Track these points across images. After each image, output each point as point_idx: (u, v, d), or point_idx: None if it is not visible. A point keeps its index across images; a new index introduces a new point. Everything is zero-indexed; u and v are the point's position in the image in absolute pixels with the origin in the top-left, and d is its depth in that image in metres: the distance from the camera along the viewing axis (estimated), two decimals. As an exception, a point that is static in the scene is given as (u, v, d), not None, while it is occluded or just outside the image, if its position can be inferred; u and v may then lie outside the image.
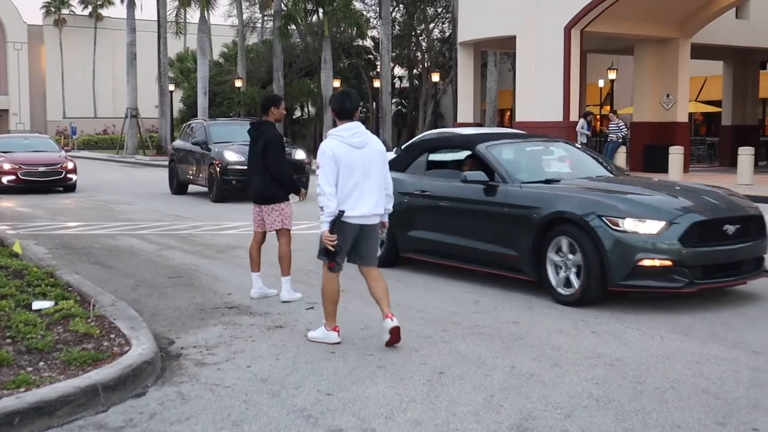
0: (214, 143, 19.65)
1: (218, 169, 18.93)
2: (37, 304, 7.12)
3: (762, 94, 36.39)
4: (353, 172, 6.29)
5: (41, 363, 5.54)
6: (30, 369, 5.39)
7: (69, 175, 22.80)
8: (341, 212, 6.22)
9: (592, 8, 24.64)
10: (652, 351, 6.28)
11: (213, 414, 4.98)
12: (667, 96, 28.05)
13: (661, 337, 6.66)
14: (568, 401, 5.15)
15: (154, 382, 5.57)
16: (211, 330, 7.01)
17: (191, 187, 21.92)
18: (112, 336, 6.24)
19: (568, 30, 25.22)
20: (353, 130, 6.39)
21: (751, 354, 6.21)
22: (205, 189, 20.19)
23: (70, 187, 22.99)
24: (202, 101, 43.57)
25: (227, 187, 19.01)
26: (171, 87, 51.39)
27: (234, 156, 18.67)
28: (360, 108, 6.66)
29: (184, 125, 23.02)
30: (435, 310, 7.70)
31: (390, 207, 6.64)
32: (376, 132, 45.01)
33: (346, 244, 6.39)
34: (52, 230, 14.11)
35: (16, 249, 9.87)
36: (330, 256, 6.35)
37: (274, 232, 8.30)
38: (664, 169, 24.61)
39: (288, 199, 8.30)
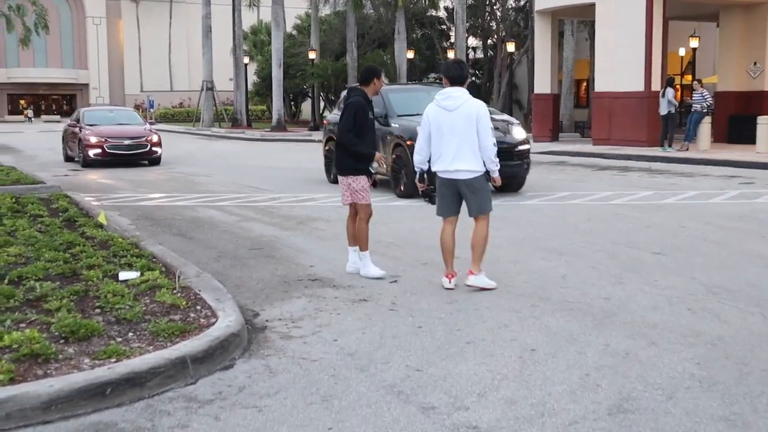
0: (398, 116, 15.05)
1: (409, 150, 13.59)
2: (123, 275, 7.16)
3: None
4: (441, 131, 7.16)
5: (130, 333, 5.54)
6: (120, 339, 5.39)
7: (154, 149, 22.66)
8: (426, 166, 7.36)
9: (676, -27, 23.81)
10: (754, 330, 5.98)
11: (302, 388, 4.90)
12: (755, 64, 27.03)
13: (764, 315, 6.34)
14: (668, 382, 4.92)
15: (241, 355, 5.52)
16: (295, 302, 6.95)
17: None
18: (198, 307, 6.22)
19: (650, -4, 24.42)
20: (446, 94, 7.15)
21: None
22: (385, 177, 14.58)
23: (155, 161, 22.88)
24: (277, 73, 43.77)
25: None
26: (245, 59, 51.76)
27: None
28: (468, 77, 7.33)
29: (345, 93, 19.62)
30: (522, 284, 7.50)
31: (492, 167, 7.18)
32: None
33: (444, 194, 7.32)
34: (134, 201, 14.30)
35: (101, 220, 9.99)
36: (424, 196, 7.68)
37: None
38: (750, 140, 23.76)
39: (360, 173, 7.83)
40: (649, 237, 9.95)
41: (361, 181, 7.81)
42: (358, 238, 7.92)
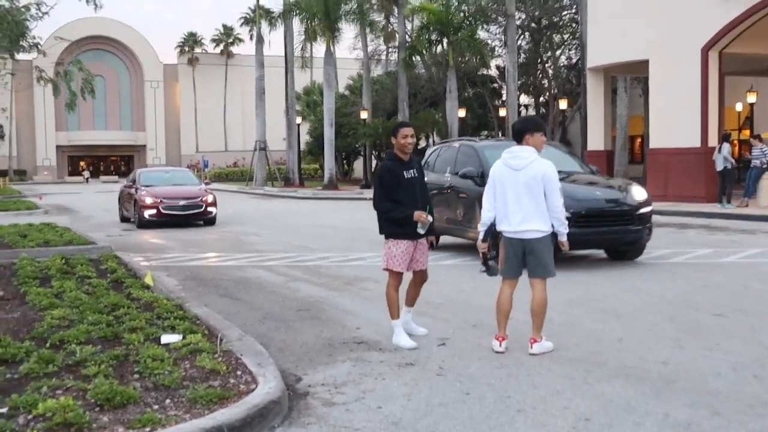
0: None
1: None
2: (165, 338, 7.04)
3: None
4: (505, 190, 7.09)
5: (167, 400, 5.38)
6: (156, 407, 5.24)
7: (209, 209, 22.54)
8: (491, 225, 7.20)
9: (732, 28, 23.50)
10: (827, 399, 5.60)
11: (342, 460, 4.68)
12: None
13: (836, 384, 5.96)
14: (735, 456, 4.59)
15: (281, 423, 5.32)
16: (339, 366, 6.75)
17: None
18: (239, 372, 6.06)
19: (705, 52, 24.13)
20: (513, 153, 7.10)
21: None
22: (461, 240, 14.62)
23: (210, 221, 22.69)
24: (329, 133, 44.18)
25: None
26: (298, 120, 52.44)
27: None
28: (542, 131, 7.19)
29: (430, 150, 16.42)
30: (575, 348, 7.20)
31: (561, 229, 7.07)
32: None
33: (508, 255, 7.17)
34: (183, 261, 14.30)
35: (148, 281, 9.95)
36: (484, 263, 7.34)
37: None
38: (813, 195, 23.10)
39: (403, 237, 7.45)
40: (709, 298, 9.56)
41: (400, 246, 7.45)
42: (388, 304, 7.60)
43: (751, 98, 33.26)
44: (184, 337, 7.03)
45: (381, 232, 7.60)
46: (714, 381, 6.11)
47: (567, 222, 7.13)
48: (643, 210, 12.69)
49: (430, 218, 7.33)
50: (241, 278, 12.08)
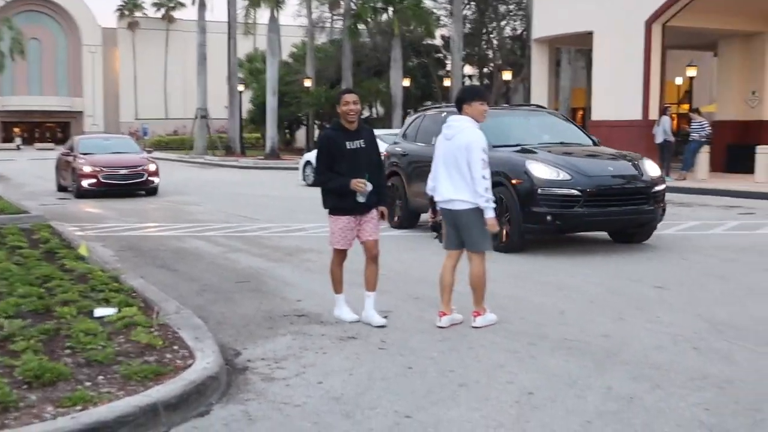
0: (494, 147, 10.20)
1: (517, 193, 10.87)
2: (99, 311, 6.83)
3: None
4: (438, 160, 7.04)
5: (100, 377, 5.20)
6: (88, 384, 5.05)
7: (151, 178, 21.77)
8: (431, 197, 7.19)
9: (675, 1, 23.69)
10: (766, 372, 5.66)
11: (281, 438, 4.57)
12: (753, 93, 26.89)
13: (774, 356, 6.03)
14: (676, 431, 4.59)
15: (219, 399, 5.18)
16: (279, 340, 6.62)
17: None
18: (176, 347, 5.89)
19: (649, 24, 24.34)
20: (449, 122, 7.02)
21: None
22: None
23: (152, 191, 21.94)
24: (272, 101, 43.68)
25: (540, 227, 10.93)
26: (240, 87, 51.69)
27: (548, 171, 10.86)
28: (480, 100, 6.97)
29: (412, 118, 15.09)
30: (519, 322, 7.18)
31: (482, 203, 6.74)
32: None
33: (447, 226, 7.09)
34: (120, 232, 13.98)
35: (83, 251, 9.67)
36: (437, 233, 7.48)
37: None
38: (748, 169, 23.54)
39: (342, 212, 7.06)
40: (650, 270, 9.64)
41: (338, 222, 7.06)
42: (331, 279, 7.35)
43: (691, 72, 33.70)
44: (119, 311, 6.81)
45: (324, 206, 7.22)
46: (655, 354, 6.13)
47: (491, 198, 6.76)
48: (658, 187, 11.45)
49: (369, 186, 6.85)
50: (180, 249, 11.84)
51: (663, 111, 23.91)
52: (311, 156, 28.07)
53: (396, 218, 13.69)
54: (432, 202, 7.18)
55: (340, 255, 7.23)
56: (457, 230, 7.01)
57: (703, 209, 16.87)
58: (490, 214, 6.77)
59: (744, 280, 8.99)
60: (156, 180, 22.03)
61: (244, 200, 20.29)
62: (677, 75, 37.49)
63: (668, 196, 19.72)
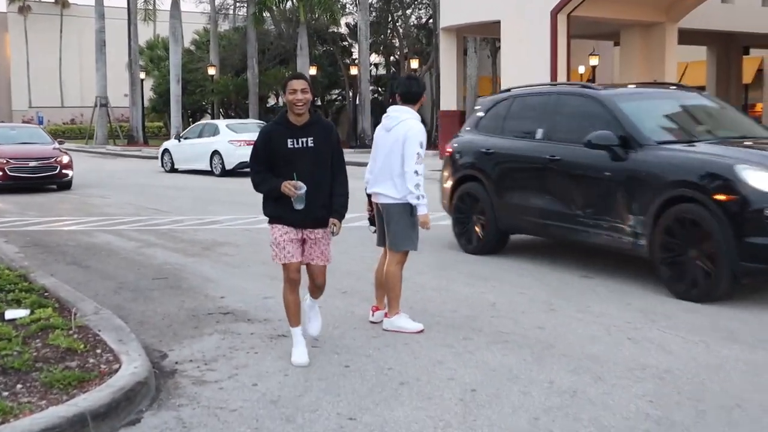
0: (657, 144, 8.15)
1: (726, 214, 7.22)
2: (10, 313, 6.43)
3: (745, 80, 36.13)
4: (376, 151, 6.67)
5: (19, 386, 4.85)
6: (6, 394, 4.71)
7: (65, 171, 20.09)
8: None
9: (580, -9, 24.08)
10: (701, 361, 5.70)
11: (221, 446, 4.33)
12: (654, 82, 27.59)
13: (707, 344, 6.08)
14: (624, 424, 4.56)
15: (150, 406, 4.90)
16: (207, 340, 6.34)
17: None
18: (98, 351, 5.57)
19: (554, 14, 24.62)
20: (389, 112, 6.64)
21: (810, 362, 5.65)
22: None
23: (65, 185, 20.32)
24: (175, 89, 42.68)
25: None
26: (141, 75, 50.38)
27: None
28: (418, 94, 6.70)
29: (489, 101, 10.88)
30: (451, 315, 7.08)
31: (412, 200, 6.43)
32: (354, 120, 44.41)
33: (379, 221, 6.78)
34: (22, 226, 13.32)
35: (-15, 249, 9.12)
36: (371, 224, 7.03)
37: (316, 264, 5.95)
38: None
39: (270, 220, 5.80)
40: (573, 258, 9.69)
41: (275, 232, 5.74)
42: (289, 316, 5.91)
43: (594, 61, 34.46)
44: (32, 312, 6.43)
45: (263, 212, 5.89)
46: (591, 345, 6.12)
47: (423, 194, 6.40)
48: None
49: (302, 188, 5.49)
50: (90, 244, 11.34)
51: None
52: (170, 144, 28.60)
53: (476, 241, 10.07)
54: (369, 195, 6.86)
55: (289, 274, 5.72)
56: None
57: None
58: (423, 211, 6.46)
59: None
60: (70, 173, 20.39)
61: (152, 192, 19.67)
62: (580, 64, 38.26)
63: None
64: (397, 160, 6.46)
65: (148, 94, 56.60)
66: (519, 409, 4.81)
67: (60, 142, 22.53)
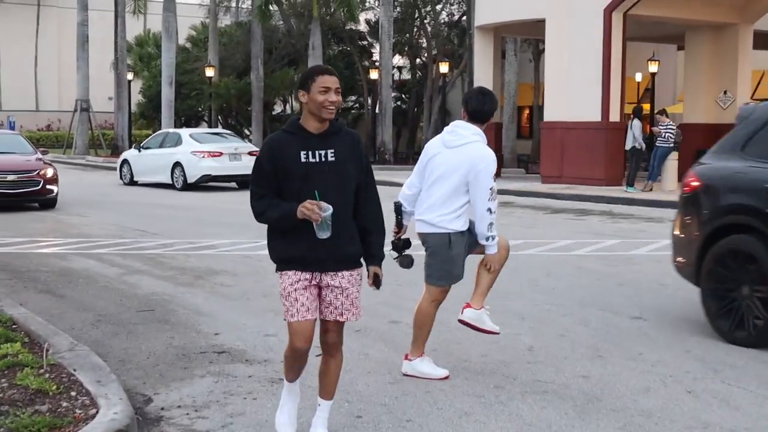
0: None
1: None
2: (-26, 348, 6.51)
3: (831, 91, 36.07)
4: (430, 169, 6.59)
5: (-19, 432, 4.93)
6: (-33, 441, 4.78)
7: (48, 186, 19.57)
8: (400, 204, 6.71)
9: (638, -14, 24.22)
10: (773, 419, 5.70)
11: (212, 506, 4.38)
12: (725, 93, 27.63)
13: (780, 400, 6.08)
14: (681, 491, 4.56)
15: (131, 458, 4.96)
16: (198, 383, 6.41)
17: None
18: (73, 393, 5.65)
19: (608, 13, 24.76)
20: (453, 127, 6.61)
21: None
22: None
23: (49, 203, 19.94)
24: (167, 93, 43.02)
25: None
26: (129, 76, 50.84)
27: None
28: (490, 113, 6.67)
29: (754, 109, 8.68)
30: (480, 359, 7.12)
31: (483, 242, 6.52)
32: (373, 131, 44.66)
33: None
34: (-12, 248, 13.50)
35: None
36: (394, 248, 6.52)
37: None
38: (721, 179, 24.10)
39: (281, 266, 5.02)
40: (624, 297, 9.71)
41: (285, 280, 4.95)
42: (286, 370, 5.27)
43: (653, 67, 34.48)
44: (-2, 347, 6.52)
45: (270, 256, 5.13)
46: (644, 398, 6.13)
47: (493, 234, 6.46)
48: None
49: (327, 210, 4.72)
50: (65, 269, 11.48)
51: (635, 113, 24.28)
52: (129, 154, 29.70)
53: (751, 326, 7.57)
54: (398, 213, 6.68)
55: (296, 340, 4.99)
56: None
57: (674, 225, 17.13)
58: (492, 251, 6.56)
59: (732, 310, 9.10)
60: (55, 189, 19.91)
61: (138, 211, 19.87)
62: (637, 71, 38.32)
63: (635, 210, 20.18)
64: (452, 186, 6.47)
65: (136, 97, 57.10)
66: (558, 471, 4.83)
67: (43, 152, 22.10)
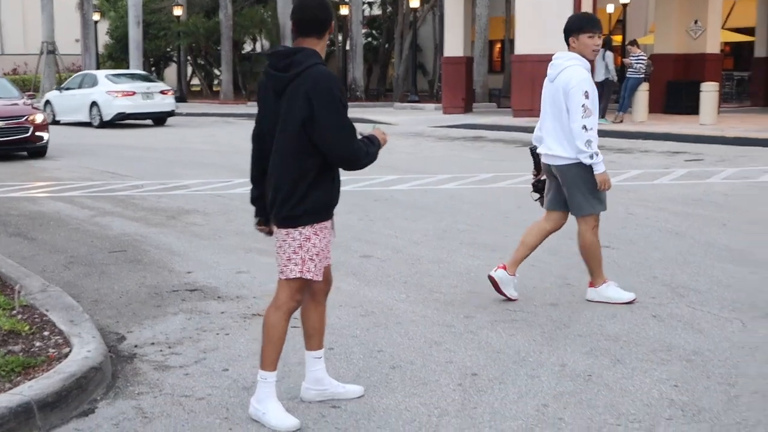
0: None
1: None
2: (-55, 292, 6.54)
3: (802, 20, 36.08)
4: (544, 105, 6.81)
5: (-45, 372, 4.98)
6: (-59, 381, 4.83)
7: (38, 133, 18.49)
8: (534, 146, 7.04)
9: None
10: (735, 341, 5.84)
11: (186, 438, 4.46)
12: (695, 23, 27.60)
13: (742, 323, 6.22)
14: (644, 411, 4.69)
15: (105, 394, 5.03)
16: (171, 320, 6.47)
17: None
18: (46, 333, 5.70)
19: (578, -57, 24.61)
20: (553, 60, 6.76)
21: None
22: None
23: (38, 151, 18.90)
24: (135, 33, 42.52)
25: None
26: (95, 16, 50.11)
27: None
28: (590, 32, 6.63)
29: None
30: (451, 290, 7.22)
31: (581, 157, 6.54)
32: (344, 69, 44.35)
33: (549, 183, 6.97)
34: (-43, 193, 13.44)
35: None
36: (534, 189, 7.26)
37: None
38: (691, 109, 24.27)
39: (318, 218, 4.58)
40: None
41: (320, 236, 4.62)
42: (265, 338, 4.73)
43: (625, -1, 34.36)
44: (-31, 290, 6.55)
45: (296, 209, 4.52)
46: (611, 324, 6.25)
47: (596, 151, 6.51)
48: None
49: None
50: (36, 213, 11.45)
51: (605, 44, 24.24)
52: (51, 95, 31.32)
53: None
54: (535, 156, 7.01)
55: (303, 292, 4.77)
56: (556, 188, 6.88)
57: (646, 156, 17.29)
58: (599, 169, 6.58)
59: (700, 237, 9.25)
60: (45, 136, 18.83)
61: (108, 153, 19.74)
62: (609, 2, 38.17)
63: (606, 141, 20.25)
64: (564, 114, 6.59)
65: (104, 39, 56.38)
66: (525, 395, 4.94)
67: (30, 96, 21.20)
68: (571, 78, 6.51)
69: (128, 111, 27.89)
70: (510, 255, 7.12)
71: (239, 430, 4.55)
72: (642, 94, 24.02)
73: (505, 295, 6.84)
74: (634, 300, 6.74)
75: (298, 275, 4.60)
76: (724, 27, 37.15)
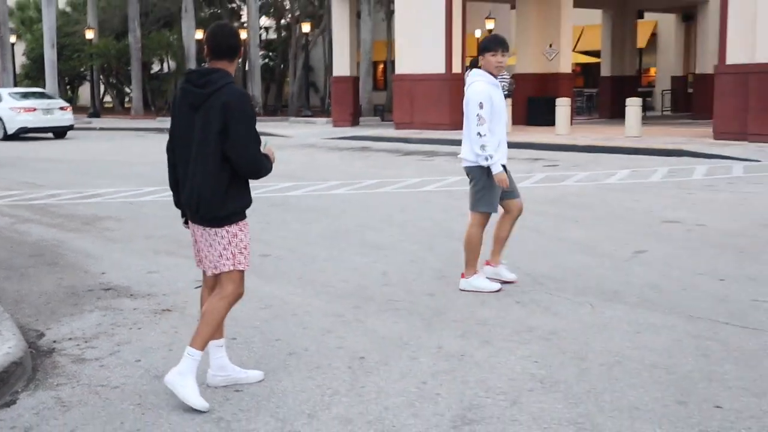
0: None
1: None
2: None
3: (639, 44, 37.36)
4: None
5: None
6: None
7: None
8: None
9: (474, -47, 24.45)
10: (586, 321, 6.03)
11: (103, 423, 4.37)
12: (550, 46, 28.30)
13: (591, 306, 6.42)
14: (509, 385, 4.81)
15: (26, 387, 4.89)
16: (87, 317, 6.33)
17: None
18: (-31, 332, 5.49)
19: (449, -23, 24.97)
20: (466, 77, 7.09)
21: (689, 319, 6.04)
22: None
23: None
24: (50, 54, 41.30)
25: None
26: (12, 39, 48.47)
27: None
28: (493, 51, 6.90)
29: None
30: (341, 284, 7.25)
31: (480, 162, 6.78)
32: (243, 87, 43.88)
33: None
34: None
35: None
36: None
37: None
38: (548, 121, 24.88)
39: (241, 216, 4.68)
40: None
41: (245, 231, 4.74)
42: (207, 321, 4.70)
43: (490, 24, 35.03)
44: None
45: (221, 211, 4.57)
46: (480, 310, 6.38)
47: (490, 154, 6.71)
48: None
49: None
50: (-42, 221, 11.03)
51: (472, 64, 24.63)
52: None
53: None
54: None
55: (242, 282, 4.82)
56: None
57: (510, 162, 17.51)
58: (495, 170, 6.77)
59: (556, 233, 9.51)
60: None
61: (24, 164, 19.13)
62: (476, 27, 38.81)
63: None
64: (470, 122, 6.86)
65: (21, 60, 54.63)
66: (407, 375, 5.00)
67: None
68: (472, 92, 6.85)
69: (30, 125, 27.85)
70: (391, 253, 7.18)
71: (151, 414, 4.49)
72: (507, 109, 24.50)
73: (507, 281, 7.06)
74: (500, 289, 6.90)
75: (231, 268, 4.68)
76: (575, 50, 38.25)
